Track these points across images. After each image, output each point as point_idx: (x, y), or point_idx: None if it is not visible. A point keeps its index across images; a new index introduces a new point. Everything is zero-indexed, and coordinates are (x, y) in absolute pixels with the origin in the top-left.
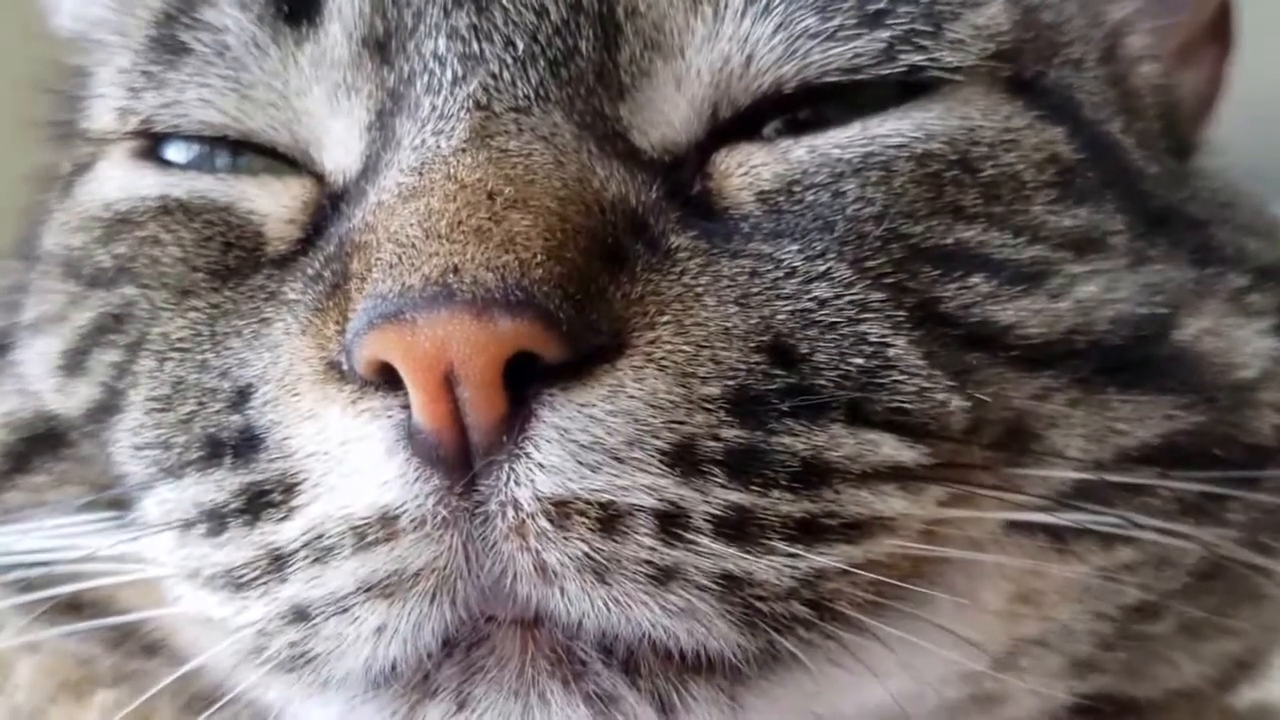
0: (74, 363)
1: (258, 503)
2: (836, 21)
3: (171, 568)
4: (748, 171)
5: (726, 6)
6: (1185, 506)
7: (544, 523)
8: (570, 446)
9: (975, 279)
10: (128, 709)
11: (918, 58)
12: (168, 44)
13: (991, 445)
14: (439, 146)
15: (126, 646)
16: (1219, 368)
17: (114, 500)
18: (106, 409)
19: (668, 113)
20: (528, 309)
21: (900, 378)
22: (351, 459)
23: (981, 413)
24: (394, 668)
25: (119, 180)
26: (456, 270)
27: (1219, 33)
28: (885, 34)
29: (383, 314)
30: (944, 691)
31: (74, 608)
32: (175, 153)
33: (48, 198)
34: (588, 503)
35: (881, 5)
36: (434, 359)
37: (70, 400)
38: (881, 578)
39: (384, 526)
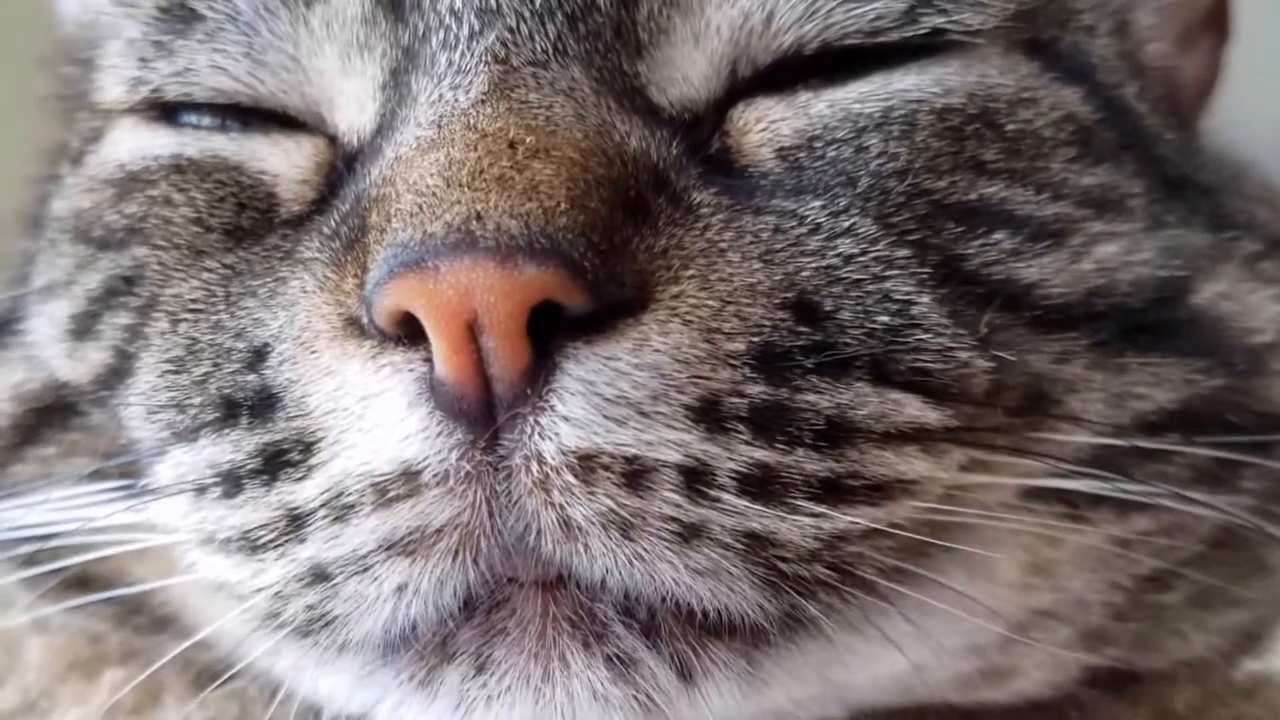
0: (84, 327)
1: (275, 462)
2: None
3: (185, 533)
4: (766, 127)
5: None
6: (1200, 473)
7: (569, 477)
8: (595, 400)
9: (998, 235)
10: (136, 680)
11: (939, 20)
12: (178, 13)
13: (1011, 409)
14: (457, 100)
15: (135, 621)
16: (1235, 331)
17: (124, 469)
18: (118, 373)
19: (686, 70)
20: (553, 257)
21: (924, 336)
22: (372, 414)
23: (1002, 375)
24: (413, 629)
25: (131, 142)
26: (480, 217)
27: (1217, 21)
28: None
29: (404, 262)
30: (953, 664)
31: (82, 582)
32: (190, 117)
33: (56, 170)
34: (613, 457)
35: None
36: (458, 307)
37: (80, 366)
38: (903, 541)
39: (406, 482)
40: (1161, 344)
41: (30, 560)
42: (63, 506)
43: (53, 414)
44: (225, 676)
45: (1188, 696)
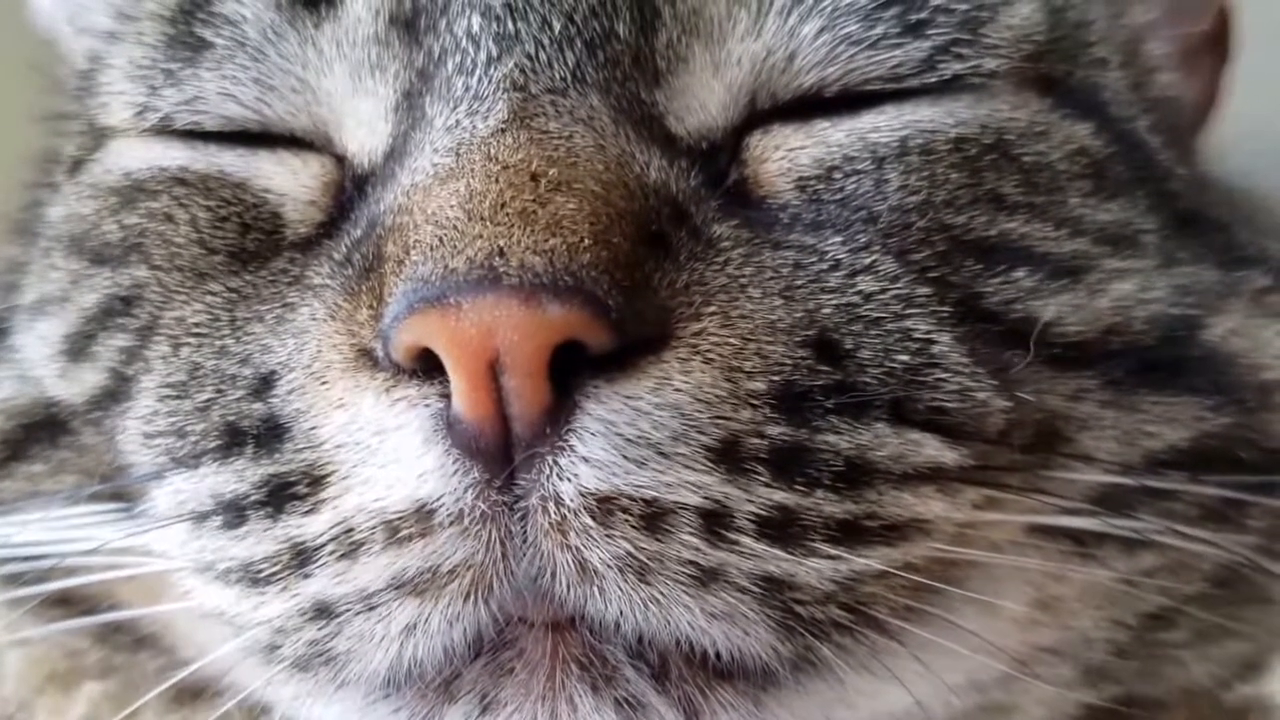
0: (78, 347)
1: (281, 494)
2: (879, 30)
3: (182, 561)
4: (785, 156)
5: (772, 3)
6: (1207, 512)
7: (587, 519)
8: (615, 440)
9: (1018, 273)
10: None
11: (958, 66)
12: (186, 40)
13: (1024, 447)
14: (475, 127)
15: (115, 640)
16: (1245, 368)
17: (116, 491)
18: (113, 395)
19: (704, 98)
20: (577, 295)
21: (944, 376)
22: (386, 450)
23: (1017, 413)
24: (417, 666)
25: (140, 151)
26: (503, 253)
27: (1218, 43)
28: (926, 44)
29: (425, 298)
30: (955, 701)
31: (65, 601)
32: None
33: (51, 177)
34: (632, 499)
35: (923, 15)
36: (480, 345)
37: (74, 387)
38: (916, 581)
39: (419, 521)
40: (1174, 382)
41: (14, 578)
42: (52, 526)
43: (42, 430)
44: (209, 697)
45: (1178, 718)
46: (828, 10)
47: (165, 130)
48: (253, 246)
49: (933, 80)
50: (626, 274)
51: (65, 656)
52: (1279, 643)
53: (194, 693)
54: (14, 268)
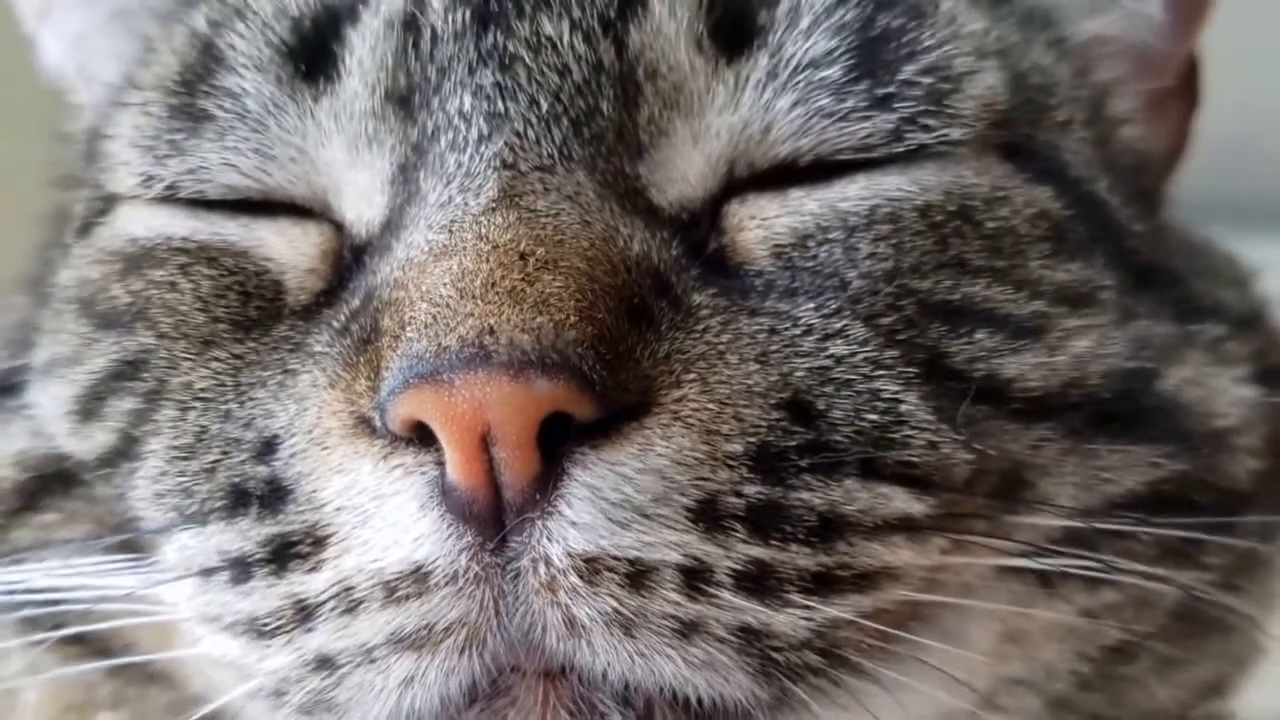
0: (88, 409)
1: (285, 553)
2: (850, 104)
3: (190, 612)
4: (761, 224)
5: (749, 77)
6: (1166, 550)
7: (575, 579)
8: (601, 504)
9: (981, 334)
10: None
11: (924, 136)
12: (188, 111)
13: (988, 494)
14: (467, 204)
15: (126, 676)
16: (1200, 416)
17: (126, 542)
18: (123, 454)
19: (685, 169)
20: (563, 370)
21: (911, 432)
22: (384, 514)
23: (981, 463)
24: (415, 715)
25: (147, 219)
26: (492, 332)
27: (1187, 89)
28: (894, 116)
29: (419, 374)
30: None
31: (80, 641)
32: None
33: (61, 237)
34: (616, 559)
35: (890, 89)
36: (472, 420)
37: (84, 444)
38: (885, 626)
39: (416, 582)
40: (1130, 431)
41: (31, 621)
42: (67, 573)
43: (55, 482)
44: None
45: None
46: (801, 85)
47: (170, 199)
48: (255, 314)
49: (899, 150)
50: (610, 348)
51: (81, 690)
52: (1240, 667)
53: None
54: (27, 325)
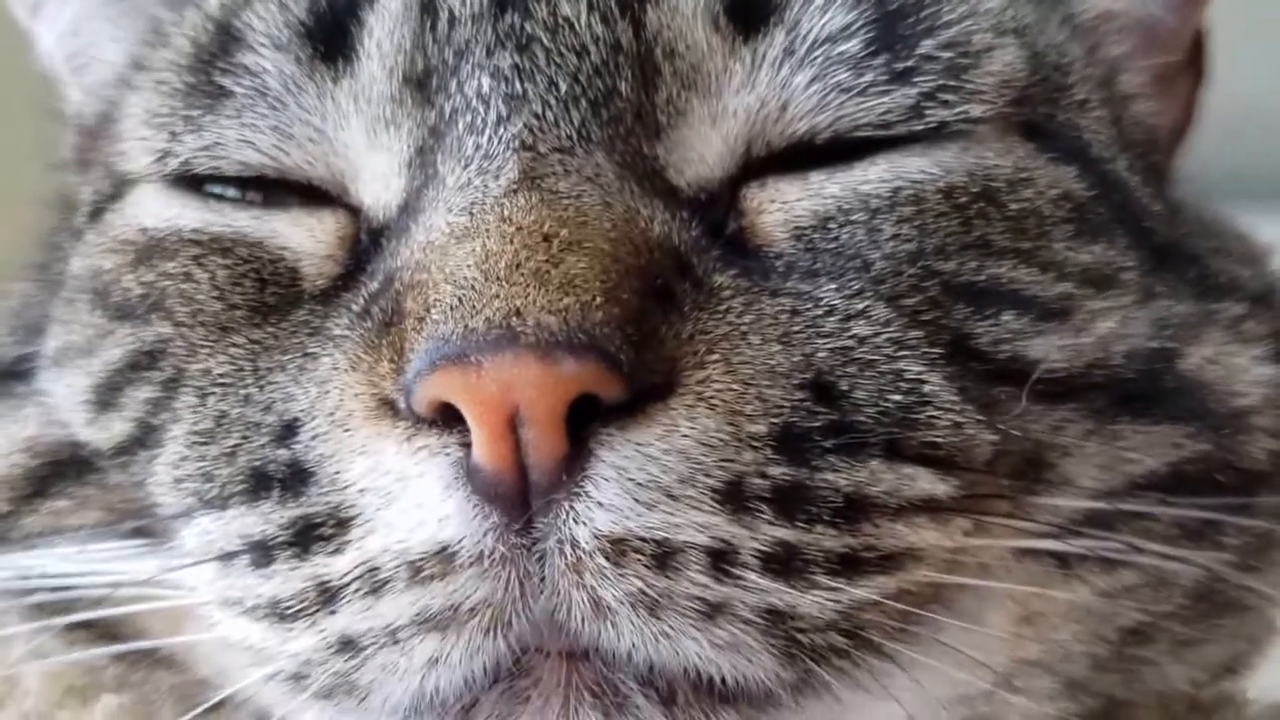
0: (105, 399)
1: (308, 536)
2: (868, 78)
3: (210, 596)
4: (781, 207)
5: (765, 54)
6: (1185, 531)
7: (601, 560)
8: (628, 485)
9: (1007, 316)
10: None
11: (945, 113)
12: (206, 89)
13: (1009, 475)
14: (487, 187)
15: (132, 660)
16: (1220, 395)
17: (139, 527)
18: (141, 443)
19: (702, 150)
20: (590, 351)
21: (935, 413)
22: (408, 495)
23: (1004, 444)
24: (437, 694)
25: (158, 209)
26: (519, 313)
27: (1193, 65)
28: (914, 91)
29: (446, 356)
30: (942, 716)
31: (88, 626)
32: (214, 187)
33: (71, 222)
34: (643, 540)
35: (910, 63)
36: (499, 401)
37: (101, 434)
38: (908, 606)
39: (441, 562)
40: (1152, 411)
41: (40, 608)
42: (79, 560)
43: (67, 468)
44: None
45: (1149, 717)
46: (819, 60)
47: (185, 177)
48: (272, 300)
49: (919, 127)
50: (636, 328)
51: (83, 672)
52: (1255, 647)
53: (211, 706)
54: (35, 309)
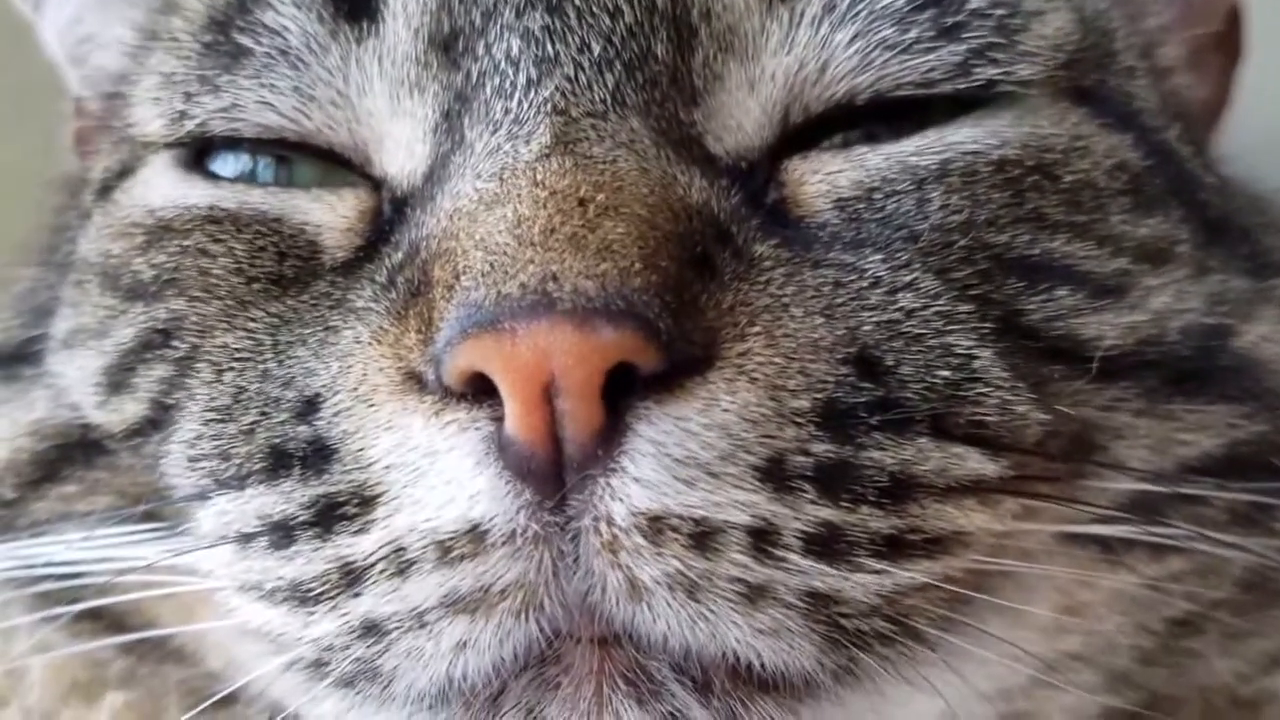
0: (118, 380)
1: (330, 515)
2: (913, 34)
3: (227, 580)
4: (824, 179)
5: (804, 12)
6: (1237, 517)
7: (638, 539)
8: (665, 461)
9: (1061, 292)
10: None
11: (993, 71)
12: (223, 48)
13: (1059, 456)
14: (518, 152)
15: (140, 653)
16: (1277, 374)
17: (150, 512)
18: (155, 424)
19: (740, 118)
20: (629, 319)
21: (985, 390)
22: (437, 471)
23: (1054, 424)
24: (464, 680)
25: (165, 188)
26: (555, 278)
27: (1228, 42)
28: (962, 48)
29: (478, 323)
30: (982, 709)
31: (94, 616)
32: (222, 166)
33: (78, 201)
34: (682, 519)
35: (959, 18)
36: (535, 370)
37: (113, 416)
38: (954, 591)
39: (471, 541)
40: (1207, 390)
41: (47, 596)
42: (88, 546)
43: (76, 451)
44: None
45: (1191, 713)
46: (862, 15)
47: (201, 139)
48: (291, 273)
49: (964, 86)
50: (675, 296)
51: (88, 667)
52: None
53: (219, 702)
54: (43, 292)
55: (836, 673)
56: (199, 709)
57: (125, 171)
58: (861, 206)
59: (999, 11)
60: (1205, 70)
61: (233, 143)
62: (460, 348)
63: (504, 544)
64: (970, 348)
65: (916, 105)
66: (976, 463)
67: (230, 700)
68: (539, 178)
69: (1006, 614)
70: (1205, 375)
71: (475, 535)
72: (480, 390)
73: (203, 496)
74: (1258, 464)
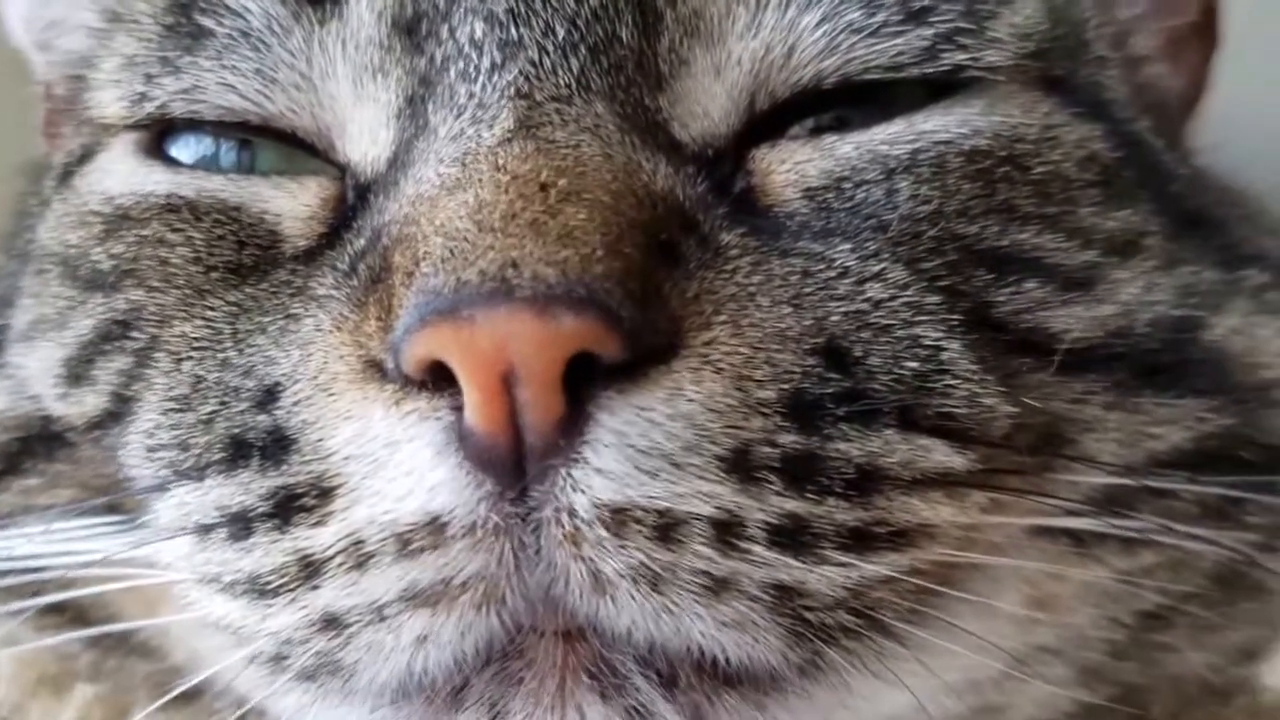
0: (78, 372)
1: (289, 506)
2: (881, 17)
3: (186, 573)
4: (792, 168)
5: None
6: (1208, 510)
7: (600, 530)
8: (628, 451)
9: (1030, 284)
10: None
11: (961, 56)
12: (185, 29)
13: (1027, 449)
14: (480, 136)
15: (106, 646)
16: (1247, 367)
17: (112, 504)
18: (115, 416)
19: (706, 104)
20: (590, 306)
21: (953, 382)
22: (397, 462)
23: (1022, 417)
24: (425, 675)
25: (123, 174)
26: (515, 265)
27: (1205, 30)
28: (929, 31)
29: (437, 310)
30: (951, 702)
31: (59, 610)
32: (183, 150)
33: (41, 189)
34: (645, 510)
35: (926, 2)
36: (493, 358)
37: (74, 408)
38: (921, 585)
39: (431, 533)
40: (1177, 384)
41: (9, 590)
42: (50, 538)
43: (37, 443)
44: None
45: (1164, 701)
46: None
47: (162, 121)
48: (250, 261)
49: (931, 70)
50: (638, 284)
51: (57, 660)
52: (1276, 631)
53: (185, 696)
54: (5, 280)
55: (802, 667)
56: (164, 702)
57: (85, 156)
58: (831, 196)
59: None
60: (1182, 60)
61: (194, 125)
62: (418, 335)
63: (464, 536)
64: (938, 339)
65: (884, 89)
66: (944, 455)
67: (197, 693)
68: (500, 162)
69: (976, 607)
70: (1175, 368)
71: (435, 527)
72: (441, 378)
73: (162, 487)
74: (1227, 457)
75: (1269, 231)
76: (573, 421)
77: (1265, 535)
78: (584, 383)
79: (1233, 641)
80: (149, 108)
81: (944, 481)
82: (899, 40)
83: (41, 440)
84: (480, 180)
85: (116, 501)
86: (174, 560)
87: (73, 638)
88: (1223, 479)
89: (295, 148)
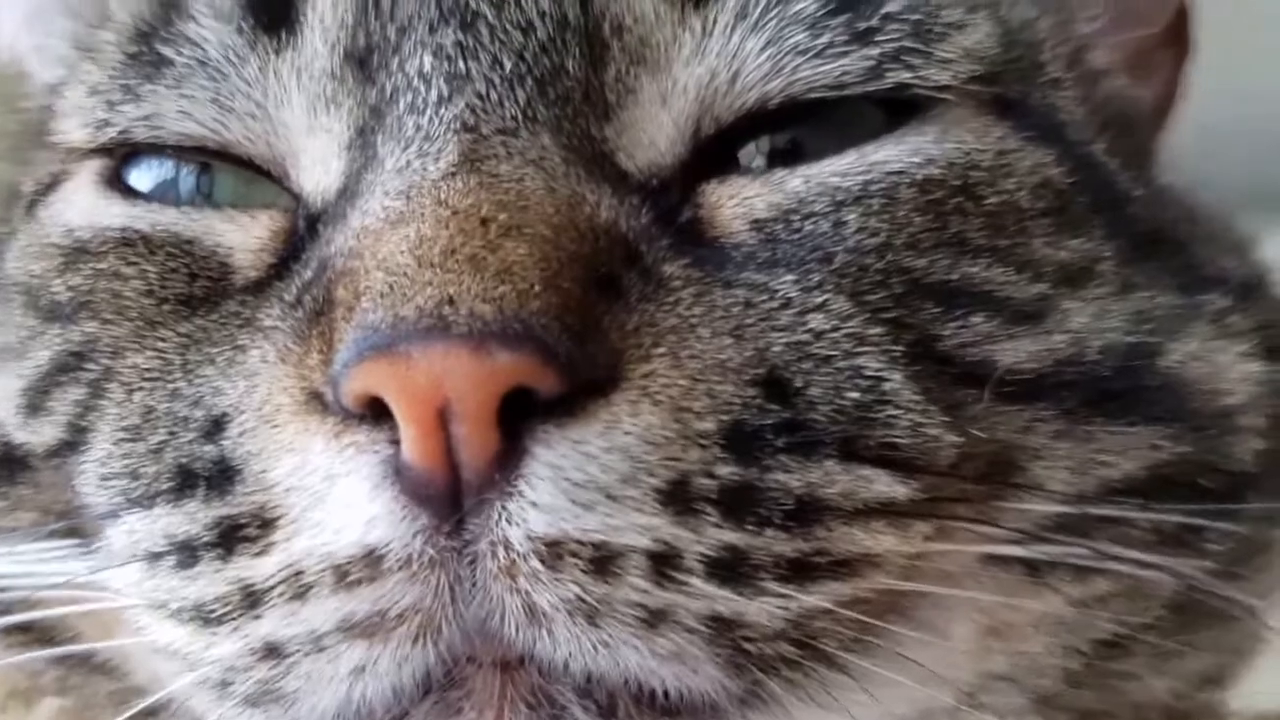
0: (35, 403)
1: (232, 537)
2: (826, 39)
3: (136, 598)
4: (740, 202)
5: (715, 21)
6: (1164, 537)
7: (535, 563)
8: (564, 485)
9: (977, 318)
10: None
11: (905, 75)
12: (145, 58)
13: (975, 478)
14: (425, 169)
15: (70, 663)
16: (1205, 394)
17: (73, 528)
18: (71, 445)
19: (653, 133)
20: (526, 342)
21: (895, 413)
22: (335, 496)
23: (969, 446)
24: (366, 705)
25: (83, 207)
26: (452, 301)
27: (1177, 37)
28: (874, 51)
29: (374, 346)
30: None
31: (25, 629)
32: (144, 174)
33: (9, 215)
34: (580, 543)
35: (871, 23)
36: (429, 395)
37: (34, 438)
38: (865, 616)
39: (368, 566)
40: (1130, 411)
41: None
42: (11, 561)
43: (2, 467)
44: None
45: None
46: (773, 22)
47: (121, 146)
48: (201, 293)
49: (875, 88)
50: (576, 319)
51: (27, 675)
52: (1239, 658)
53: (147, 712)
54: None
55: (743, 698)
56: (125, 719)
57: (51, 185)
58: (779, 228)
59: (914, 16)
60: (1153, 69)
61: (156, 149)
62: (356, 370)
63: (400, 569)
64: (880, 370)
65: (831, 106)
66: (886, 485)
67: (156, 711)
68: (443, 196)
69: (925, 636)
70: (1128, 395)
71: (371, 560)
72: (380, 413)
73: (114, 515)
74: (1185, 484)
75: (1229, 250)
76: (509, 456)
77: (1224, 563)
78: (521, 417)
79: (1195, 668)
80: (110, 132)
81: (887, 511)
82: (844, 60)
83: (5, 464)
84: (423, 215)
85: (77, 526)
86: (125, 586)
87: (36, 657)
88: (1180, 507)
89: (255, 173)
